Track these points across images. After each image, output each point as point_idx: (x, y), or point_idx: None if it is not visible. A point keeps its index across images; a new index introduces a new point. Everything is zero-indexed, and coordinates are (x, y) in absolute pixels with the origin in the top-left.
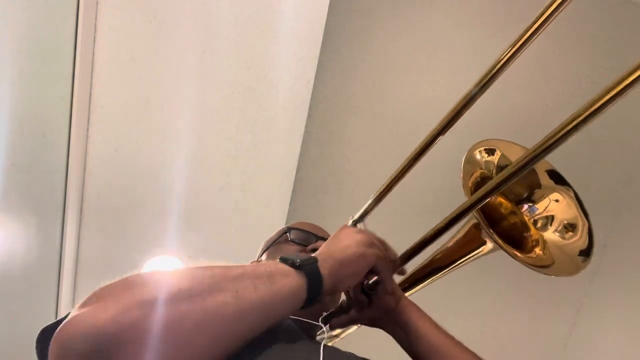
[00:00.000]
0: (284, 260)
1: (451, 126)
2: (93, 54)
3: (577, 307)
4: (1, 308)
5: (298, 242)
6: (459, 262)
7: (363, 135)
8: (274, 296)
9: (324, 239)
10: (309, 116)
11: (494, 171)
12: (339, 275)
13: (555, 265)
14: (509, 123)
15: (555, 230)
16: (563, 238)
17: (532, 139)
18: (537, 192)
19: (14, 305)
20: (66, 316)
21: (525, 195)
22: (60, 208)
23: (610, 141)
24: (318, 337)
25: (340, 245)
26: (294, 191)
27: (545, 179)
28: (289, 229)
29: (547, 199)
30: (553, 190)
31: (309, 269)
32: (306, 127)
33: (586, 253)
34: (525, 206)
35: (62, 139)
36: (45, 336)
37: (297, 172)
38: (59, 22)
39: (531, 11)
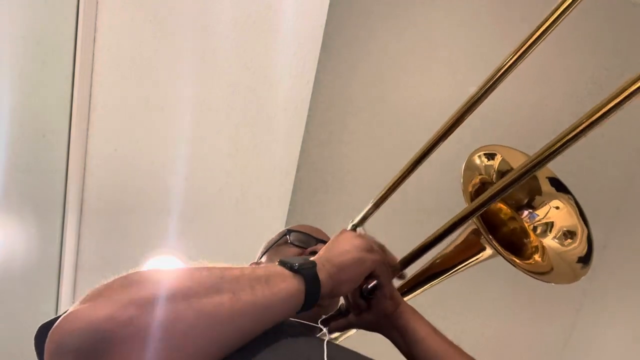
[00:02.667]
0: (282, 263)
1: (453, 131)
2: (93, 54)
3: (577, 307)
4: (1, 308)
5: (297, 244)
6: (459, 267)
7: (363, 135)
8: (272, 299)
9: (324, 242)
10: (309, 116)
11: (494, 176)
12: (337, 279)
13: (554, 272)
14: (508, 123)
15: (555, 237)
16: (562, 245)
17: (532, 139)
18: (538, 199)
19: (14, 305)
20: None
21: (525, 201)
22: (60, 208)
23: (610, 141)
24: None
25: (339, 249)
26: (294, 191)
27: (546, 186)
28: (289, 231)
29: (547, 205)
30: (554, 198)
31: (307, 273)
32: (306, 127)
33: (585, 260)
34: (526, 212)
35: (62, 139)
36: (43, 332)
37: (297, 172)
38: (59, 22)
39: (532, 11)
